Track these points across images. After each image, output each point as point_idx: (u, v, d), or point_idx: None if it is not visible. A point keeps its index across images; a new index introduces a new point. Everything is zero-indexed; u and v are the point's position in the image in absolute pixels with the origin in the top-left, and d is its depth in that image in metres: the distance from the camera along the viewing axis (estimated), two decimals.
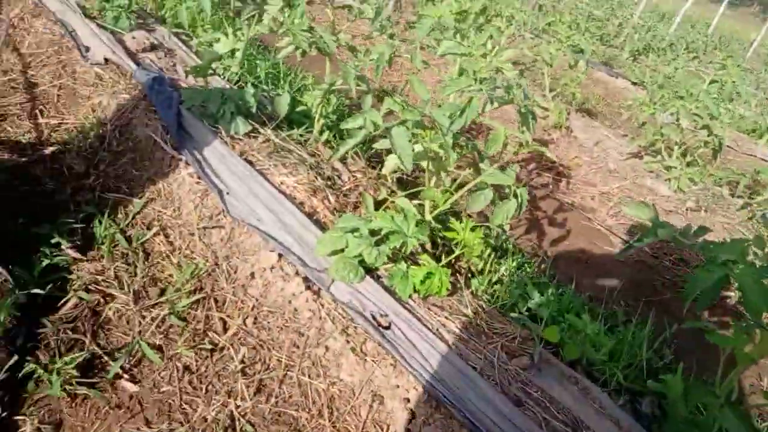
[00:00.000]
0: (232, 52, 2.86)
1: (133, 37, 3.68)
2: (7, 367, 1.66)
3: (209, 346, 1.92)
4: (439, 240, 2.63)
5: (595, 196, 4.05)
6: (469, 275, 2.49)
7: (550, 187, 4.11)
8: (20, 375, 1.70)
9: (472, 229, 2.27)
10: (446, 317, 2.05)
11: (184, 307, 2.04)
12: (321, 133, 3.09)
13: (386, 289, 2.14)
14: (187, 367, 1.86)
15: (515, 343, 1.99)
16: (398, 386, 1.79)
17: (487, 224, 2.82)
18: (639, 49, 7.67)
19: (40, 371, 1.71)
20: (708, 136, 4.10)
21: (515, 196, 2.34)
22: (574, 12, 10.23)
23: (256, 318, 2.05)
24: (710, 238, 1.93)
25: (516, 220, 3.55)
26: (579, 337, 2.06)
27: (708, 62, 8.20)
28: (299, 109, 3.11)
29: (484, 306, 2.19)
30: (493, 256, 2.55)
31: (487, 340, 1.98)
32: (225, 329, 2.01)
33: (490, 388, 1.81)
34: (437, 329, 1.98)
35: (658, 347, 2.28)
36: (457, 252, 2.27)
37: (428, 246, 2.54)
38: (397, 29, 5.87)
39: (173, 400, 1.76)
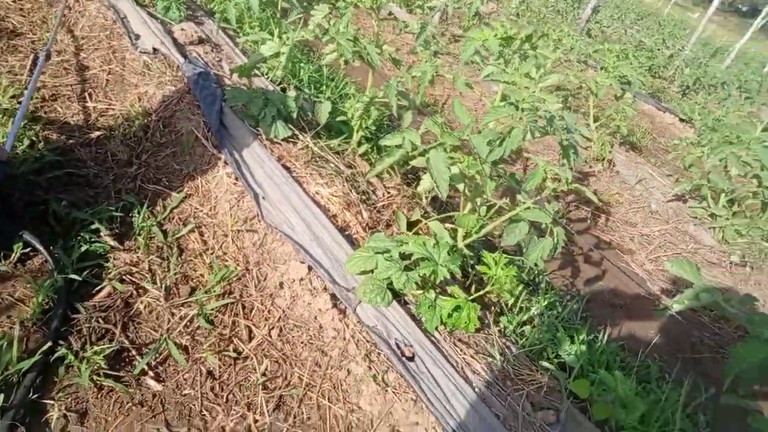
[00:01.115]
0: (277, 54, 2.85)
1: (182, 29, 3.72)
2: (41, 349, 1.68)
3: (233, 354, 1.93)
4: (470, 269, 2.59)
5: (635, 237, 3.93)
6: (499, 311, 2.44)
7: (588, 222, 4.01)
8: (52, 359, 1.71)
9: (506, 265, 2.22)
10: (472, 356, 2.00)
11: (212, 309, 2.05)
12: (359, 144, 3.07)
13: (413, 317, 2.11)
14: (210, 373, 1.87)
15: (541, 393, 1.94)
16: (418, 423, 1.75)
17: (520, 257, 2.77)
18: (689, 84, 7.44)
19: (71, 357, 1.72)
20: (758, 186, 3.93)
21: (551, 234, 2.29)
22: (624, 39, 9.99)
23: (281, 330, 2.05)
24: (753, 293, 1.84)
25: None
26: (609, 396, 1.99)
27: (762, 103, 7.91)
28: (339, 118, 3.10)
29: (511, 348, 2.14)
30: (524, 293, 2.50)
31: (513, 386, 1.93)
32: (250, 338, 2.01)
33: None
34: (462, 368, 1.94)
35: (692, 412, 2.19)
36: (488, 288, 2.22)
37: (458, 275, 2.51)
38: (443, 41, 5.82)
39: (194, 405, 1.77)
